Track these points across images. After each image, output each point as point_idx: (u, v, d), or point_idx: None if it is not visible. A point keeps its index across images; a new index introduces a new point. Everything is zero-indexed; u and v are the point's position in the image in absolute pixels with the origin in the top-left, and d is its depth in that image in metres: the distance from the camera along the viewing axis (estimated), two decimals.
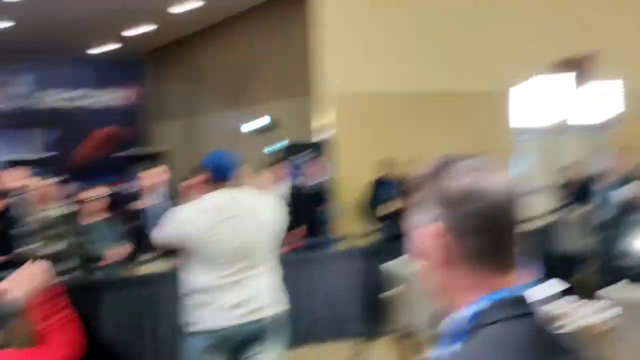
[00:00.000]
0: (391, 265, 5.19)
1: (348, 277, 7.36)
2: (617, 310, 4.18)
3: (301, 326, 7.07)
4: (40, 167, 7.78)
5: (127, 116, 16.50)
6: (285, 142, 10.48)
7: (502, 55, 11.20)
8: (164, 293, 6.50)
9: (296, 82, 11.03)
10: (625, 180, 8.03)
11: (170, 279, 6.63)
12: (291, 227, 7.30)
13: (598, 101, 8.60)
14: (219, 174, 3.97)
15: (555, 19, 11.38)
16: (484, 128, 11.06)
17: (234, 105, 12.39)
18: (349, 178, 10.17)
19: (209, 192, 4.05)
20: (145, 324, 6.49)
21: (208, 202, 3.99)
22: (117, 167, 14.81)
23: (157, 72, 15.97)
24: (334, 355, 6.84)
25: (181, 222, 3.89)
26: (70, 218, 6.96)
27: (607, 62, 10.49)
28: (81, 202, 6.93)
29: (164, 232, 3.97)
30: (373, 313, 7.37)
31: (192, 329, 3.98)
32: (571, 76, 6.79)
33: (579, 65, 11.47)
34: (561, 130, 8.63)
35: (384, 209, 8.53)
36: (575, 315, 4.18)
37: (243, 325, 3.88)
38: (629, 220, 8.05)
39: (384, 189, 8.75)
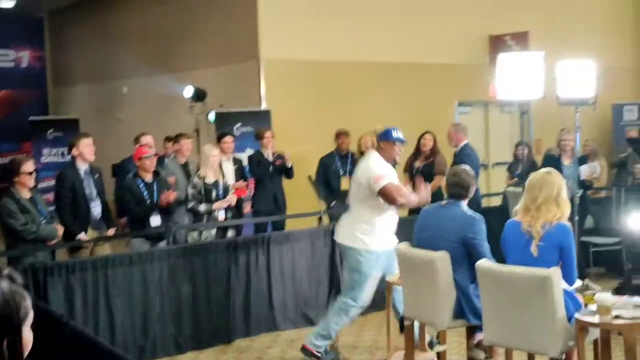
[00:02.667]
0: (402, 247, 4.77)
1: (310, 258, 6.89)
2: None
3: (262, 311, 6.57)
4: None
5: (26, 79, 15.12)
6: (216, 111, 9.78)
7: (446, 28, 11.03)
8: (119, 276, 5.87)
9: (231, 47, 10.34)
10: (580, 161, 8.02)
11: (125, 261, 6.03)
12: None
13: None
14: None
15: None
16: (427, 100, 10.87)
17: (160, 70, 11.50)
18: (291, 150, 9.66)
19: None
20: (100, 310, 5.79)
21: None
22: (18, 133, 13.59)
23: (61, 32, 14.69)
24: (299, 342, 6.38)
25: None
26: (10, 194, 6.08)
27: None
28: (22, 175, 6.05)
29: None
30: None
31: None
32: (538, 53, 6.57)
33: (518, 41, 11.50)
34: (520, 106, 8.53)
35: (343, 184, 8.09)
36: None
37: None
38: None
39: (340, 162, 8.29)
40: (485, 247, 4.49)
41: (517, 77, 6.56)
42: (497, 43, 11.60)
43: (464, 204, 4.66)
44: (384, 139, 5.51)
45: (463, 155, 7.72)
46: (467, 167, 4.90)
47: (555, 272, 3.92)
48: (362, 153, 8.10)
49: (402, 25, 10.62)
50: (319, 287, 6.90)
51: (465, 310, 4.44)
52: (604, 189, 8.82)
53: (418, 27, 10.81)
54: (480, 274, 4.18)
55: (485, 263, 4.20)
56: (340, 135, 8.28)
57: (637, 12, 13.28)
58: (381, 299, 6.90)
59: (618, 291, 6.25)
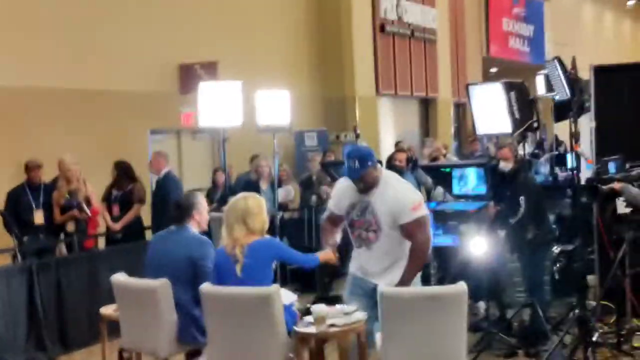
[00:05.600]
0: (119, 278, 4.64)
1: (6, 298, 6.35)
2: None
3: None
4: None
5: None
6: None
7: (135, 55, 10.93)
8: None
9: None
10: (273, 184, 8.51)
11: None
12: None
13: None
14: None
15: (181, 25, 11.53)
16: (118, 128, 10.64)
17: None
18: None
19: None
20: None
21: None
22: None
23: None
24: None
25: None
26: None
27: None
28: None
29: None
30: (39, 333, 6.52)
31: None
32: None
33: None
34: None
35: (36, 218, 7.58)
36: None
37: None
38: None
39: (31, 195, 7.77)
40: (211, 269, 4.55)
41: (217, 106, 6.76)
42: (187, 72, 11.81)
43: (191, 227, 4.67)
44: None
45: (169, 181, 7.75)
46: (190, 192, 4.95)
47: (275, 289, 4.12)
48: (68, 183, 7.74)
49: (87, 50, 10.28)
50: (16, 329, 6.37)
51: (194, 332, 4.47)
52: (296, 210, 9.44)
53: (105, 53, 10.55)
54: (204, 297, 4.23)
55: (208, 286, 4.26)
56: (31, 166, 7.77)
57: (313, 49, 14.50)
58: (89, 334, 6.68)
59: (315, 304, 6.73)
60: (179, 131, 12.02)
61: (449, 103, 18.07)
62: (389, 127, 16.15)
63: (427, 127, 17.52)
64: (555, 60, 4.94)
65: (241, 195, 4.50)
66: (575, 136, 4.93)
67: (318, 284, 8.32)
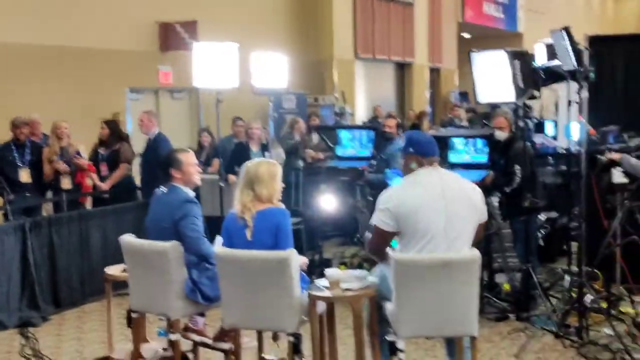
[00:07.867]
0: (128, 239, 4.62)
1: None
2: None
3: None
4: None
5: None
6: None
7: (113, 12, 10.74)
8: None
9: None
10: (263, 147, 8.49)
11: None
12: None
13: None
14: None
15: None
16: (95, 86, 10.50)
17: None
18: None
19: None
20: None
21: None
22: None
23: None
24: None
25: None
26: None
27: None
28: None
29: None
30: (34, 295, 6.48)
31: None
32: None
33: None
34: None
35: (23, 176, 7.48)
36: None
37: None
38: None
39: (17, 153, 7.64)
40: (191, 227, 4.52)
41: (212, 67, 6.71)
42: (166, 31, 11.65)
43: (179, 186, 4.66)
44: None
45: (160, 141, 7.71)
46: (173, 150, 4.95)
47: (292, 253, 4.15)
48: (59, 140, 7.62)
49: (65, 6, 10.06)
50: (10, 289, 6.32)
51: (195, 294, 4.50)
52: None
53: (83, 10, 10.36)
54: (218, 260, 4.25)
55: (223, 249, 4.27)
56: (18, 124, 7.64)
57: (292, 10, 14.35)
58: (80, 294, 6.66)
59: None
60: (158, 90, 11.90)
61: (425, 68, 18.12)
62: (365, 91, 16.17)
63: (402, 91, 17.57)
64: (563, 31, 5.00)
65: (257, 160, 4.53)
66: (579, 106, 5.02)
67: (305, 246, 8.36)
